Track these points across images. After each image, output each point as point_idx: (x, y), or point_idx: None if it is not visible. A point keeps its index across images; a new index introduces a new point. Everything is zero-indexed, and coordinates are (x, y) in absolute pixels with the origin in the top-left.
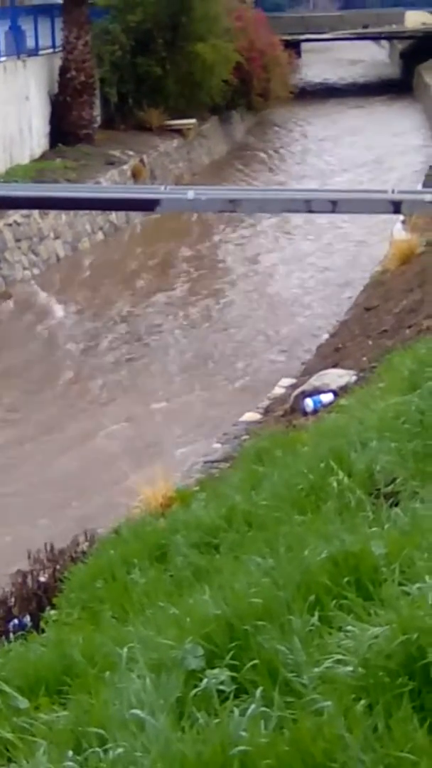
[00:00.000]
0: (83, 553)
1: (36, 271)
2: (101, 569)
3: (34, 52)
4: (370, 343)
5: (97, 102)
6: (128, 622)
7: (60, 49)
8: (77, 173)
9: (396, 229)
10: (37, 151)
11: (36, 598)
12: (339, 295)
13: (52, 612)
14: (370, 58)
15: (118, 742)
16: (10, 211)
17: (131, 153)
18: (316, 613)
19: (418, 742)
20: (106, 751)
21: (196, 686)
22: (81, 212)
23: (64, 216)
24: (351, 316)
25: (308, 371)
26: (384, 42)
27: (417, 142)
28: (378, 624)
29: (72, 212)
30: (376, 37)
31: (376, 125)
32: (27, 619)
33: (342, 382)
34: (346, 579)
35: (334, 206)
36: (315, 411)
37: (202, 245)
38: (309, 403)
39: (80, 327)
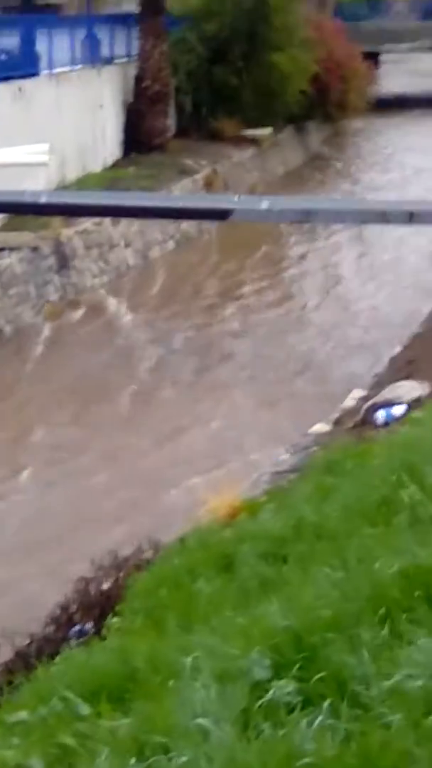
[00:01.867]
0: (147, 561)
1: (105, 279)
2: (165, 578)
3: (109, 61)
4: None
5: (172, 111)
6: (193, 631)
7: (135, 57)
8: (150, 182)
9: None
10: (110, 160)
11: (99, 606)
12: (414, 307)
13: (115, 619)
14: None
15: (181, 750)
16: (82, 219)
17: (204, 162)
18: (386, 627)
19: None
20: (169, 760)
21: (261, 697)
22: (152, 221)
23: (135, 224)
24: (425, 329)
25: (380, 383)
26: None
27: None
28: None
29: (143, 221)
30: None
31: None
32: (89, 626)
33: (415, 394)
34: (417, 593)
35: (410, 218)
36: (386, 423)
37: (276, 255)
38: (381, 415)
39: (150, 335)
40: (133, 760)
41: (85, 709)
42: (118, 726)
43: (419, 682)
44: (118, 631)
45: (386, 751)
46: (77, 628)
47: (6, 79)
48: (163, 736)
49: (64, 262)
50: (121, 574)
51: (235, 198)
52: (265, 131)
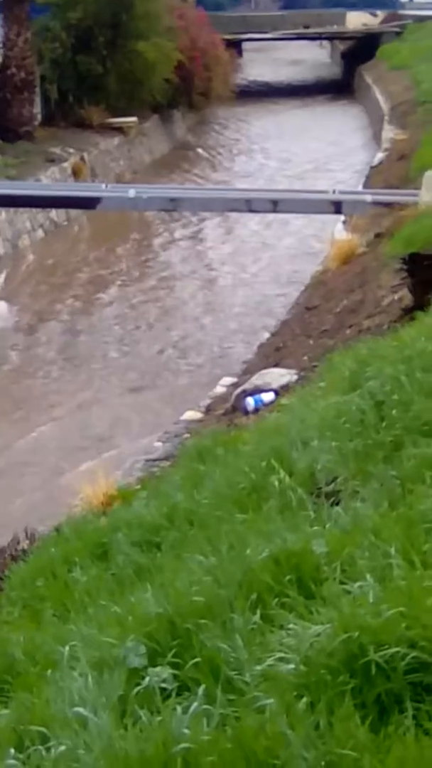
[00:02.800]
0: (24, 551)
1: None
2: (42, 568)
3: None
4: (311, 342)
5: (38, 99)
6: (70, 620)
7: (0, 45)
8: (17, 170)
9: (337, 230)
10: None
11: None
12: (281, 294)
13: None
14: (312, 59)
15: (60, 740)
16: None
17: (72, 150)
18: (258, 612)
19: (359, 739)
20: (48, 749)
21: (138, 684)
22: (21, 210)
23: (3, 213)
24: (292, 316)
25: (249, 370)
26: (325, 42)
27: (358, 143)
28: (319, 622)
29: (12, 209)
30: (317, 38)
31: (317, 125)
32: None
33: (283, 381)
34: (287, 577)
35: (275, 206)
36: (256, 410)
37: (144, 243)
38: (250, 402)
39: (21, 324)
40: (12, 751)
41: None
42: None
43: (291, 666)
44: None
45: (260, 735)
46: None
47: None
48: (41, 726)
49: None
50: None
51: (103, 186)
52: (130, 119)
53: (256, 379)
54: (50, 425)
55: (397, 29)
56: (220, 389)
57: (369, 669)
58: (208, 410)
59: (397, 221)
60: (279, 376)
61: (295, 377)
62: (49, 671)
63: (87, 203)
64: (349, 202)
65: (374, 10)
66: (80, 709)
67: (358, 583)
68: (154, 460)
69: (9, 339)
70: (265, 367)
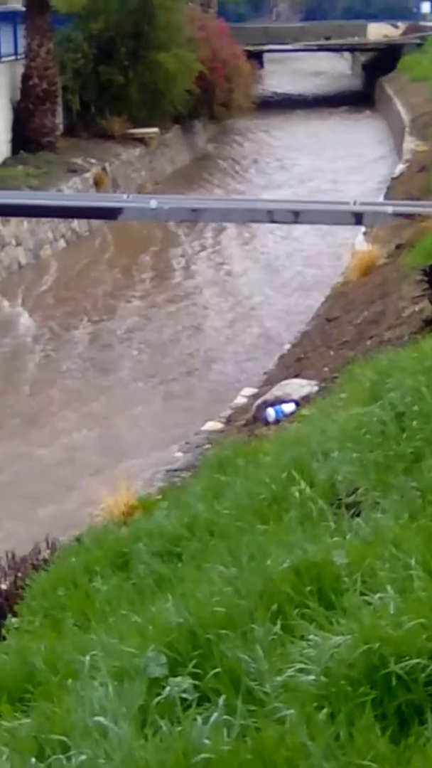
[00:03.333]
0: (45, 561)
1: None
2: (63, 577)
3: None
4: (332, 353)
5: (60, 110)
6: (90, 630)
7: (22, 56)
8: (39, 181)
9: (358, 241)
10: None
11: None
12: (302, 305)
13: (14, 620)
14: (332, 70)
15: (80, 749)
16: None
17: (93, 161)
18: (279, 622)
19: (379, 750)
20: (69, 759)
21: (158, 694)
22: (43, 220)
23: (26, 223)
24: (313, 327)
25: (270, 381)
26: (346, 54)
27: (378, 154)
28: (340, 633)
29: (34, 220)
30: (338, 49)
31: (338, 137)
32: None
33: (304, 392)
34: (308, 588)
35: (296, 217)
36: (277, 421)
37: (166, 253)
38: (271, 412)
39: (43, 334)
40: (33, 760)
41: None
42: (19, 726)
43: (311, 677)
44: (17, 631)
45: (280, 746)
46: None
47: None
48: (62, 735)
49: None
50: (19, 574)
51: (125, 197)
52: (152, 130)
53: (277, 390)
54: (71, 435)
55: (418, 41)
56: (241, 400)
57: (389, 680)
58: (229, 421)
59: (418, 232)
60: (300, 386)
61: (315, 388)
62: (70, 680)
63: (109, 214)
64: (370, 213)
65: (395, 21)
66: (101, 719)
67: (378, 595)
68: (175, 470)
69: (30, 349)
70: (285, 378)
